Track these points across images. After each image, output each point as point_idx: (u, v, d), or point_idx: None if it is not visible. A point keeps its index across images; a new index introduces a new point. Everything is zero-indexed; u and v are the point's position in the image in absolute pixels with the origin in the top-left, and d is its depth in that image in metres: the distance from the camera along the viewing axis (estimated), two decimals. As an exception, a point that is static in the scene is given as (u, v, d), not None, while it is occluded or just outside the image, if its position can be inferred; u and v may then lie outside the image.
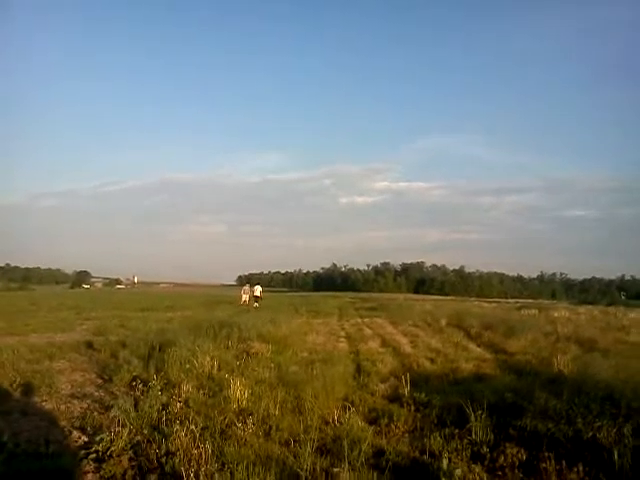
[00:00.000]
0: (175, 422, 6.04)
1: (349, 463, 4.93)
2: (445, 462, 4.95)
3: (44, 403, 7.50)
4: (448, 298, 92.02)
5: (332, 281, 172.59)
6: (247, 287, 41.40)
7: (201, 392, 7.81)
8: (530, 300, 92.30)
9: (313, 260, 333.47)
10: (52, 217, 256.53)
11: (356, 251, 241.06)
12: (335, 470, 4.82)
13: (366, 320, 26.19)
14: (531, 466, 5.19)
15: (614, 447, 5.20)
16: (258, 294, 39.14)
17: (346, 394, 8.04)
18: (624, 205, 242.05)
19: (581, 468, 4.97)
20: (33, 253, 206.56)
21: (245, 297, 38.71)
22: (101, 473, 4.83)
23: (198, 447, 5.07)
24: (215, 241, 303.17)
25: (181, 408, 6.87)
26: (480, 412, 6.20)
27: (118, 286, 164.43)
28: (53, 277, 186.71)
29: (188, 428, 5.61)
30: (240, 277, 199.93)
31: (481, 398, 6.82)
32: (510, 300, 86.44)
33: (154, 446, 5.37)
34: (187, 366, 9.12)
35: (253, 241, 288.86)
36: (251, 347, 12.08)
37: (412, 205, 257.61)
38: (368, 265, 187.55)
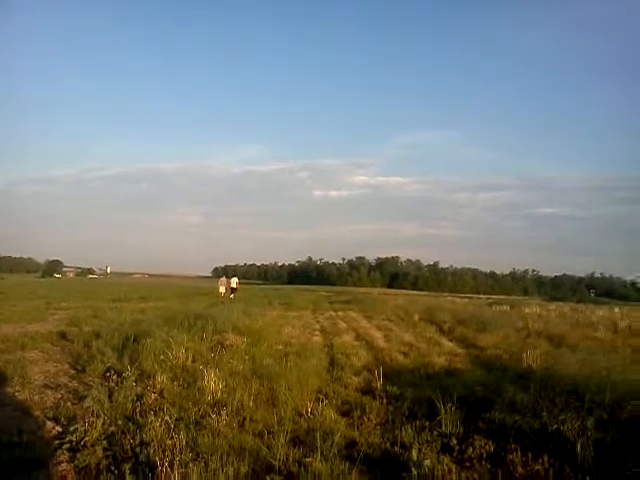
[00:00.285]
0: (149, 413, 6.08)
1: (322, 454, 5.03)
2: (415, 453, 5.07)
3: (17, 393, 7.43)
4: (422, 293, 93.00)
5: (307, 274, 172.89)
6: (224, 279, 41.36)
7: (175, 383, 7.83)
8: (502, 296, 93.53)
9: (289, 253, 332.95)
10: (25, 204, 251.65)
11: (332, 244, 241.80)
12: (308, 460, 4.92)
13: (340, 314, 26.34)
14: (498, 457, 5.32)
15: (577, 439, 5.38)
16: (234, 286, 39.16)
17: (320, 387, 8.12)
18: (596, 204, 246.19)
19: (546, 459, 5.10)
20: (4, 241, 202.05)
21: (222, 289, 38.67)
22: (75, 463, 4.83)
23: (172, 437, 5.11)
24: (191, 232, 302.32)
25: (155, 399, 6.90)
26: (450, 405, 6.33)
27: (90, 276, 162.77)
28: (24, 266, 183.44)
29: (162, 419, 5.66)
30: (216, 269, 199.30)
31: (452, 392, 6.94)
32: (482, 296, 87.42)
33: (128, 436, 5.40)
34: (161, 357, 9.12)
35: (229, 233, 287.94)
36: (226, 339, 12.10)
37: (389, 200, 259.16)
38: (343, 259, 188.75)
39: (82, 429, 5.34)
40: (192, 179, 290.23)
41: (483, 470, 5.08)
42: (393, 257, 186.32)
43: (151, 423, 5.54)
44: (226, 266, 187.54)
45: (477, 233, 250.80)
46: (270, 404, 7.05)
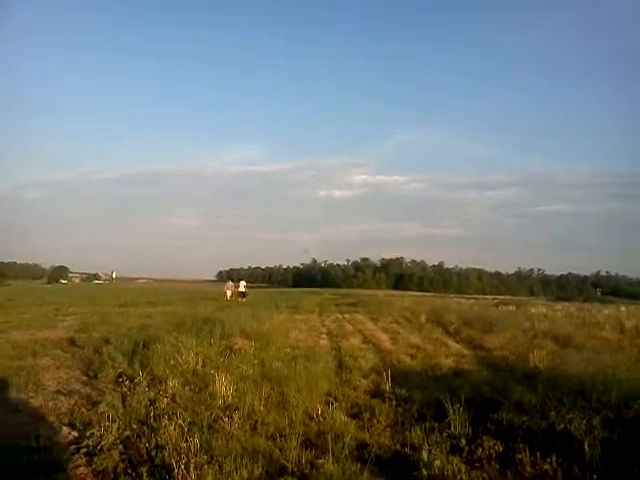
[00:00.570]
0: (163, 417, 6.19)
1: (333, 455, 5.13)
2: (425, 454, 5.17)
3: (31, 400, 7.57)
4: (427, 294, 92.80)
5: (312, 277, 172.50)
6: (230, 283, 41.51)
7: (187, 388, 7.93)
8: (508, 296, 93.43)
9: (293, 255, 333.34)
10: (28, 210, 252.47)
11: (335, 245, 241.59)
12: (320, 461, 5.01)
13: (346, 316, 26.39)
14: (507, 457, 5.40)
15: (585, 438, 5.45)
16: (243, 289, 39.33)
17: (329, 390, 8.22)
18: (601, 201, 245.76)
19: (554, 458, 5.18)
20: (9, 247, 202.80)
21: (229, 293, 38.79)
22: (93, 466, 4.96)
23: (187, 441, 5.22)
24: (193, 235, 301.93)
25: (168, 404, 7.00)
26: (459, 406, 6.40)
27: (96, 281, 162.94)
28: (30, 272, 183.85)
29: (176, 423, 5.78)
30: (221, 272, 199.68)
31: (460, 393, 6.99)
32: (488, 296, 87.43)
33: (143, 440, 5.51)
34: (172, 362, 9.23)
35: (233, 235, 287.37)
36: (234, 343, 12.19)
37: (390, 199, 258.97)
38: (348, 260, 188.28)
39: (98, 434, 5.47)
40: (192, 181, 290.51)
41: (492, 470, 5.16)
42: (398, 258, 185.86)
43: (165, 427, 5.65)
44: (231, 269, 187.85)
45: (481, 231, 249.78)
46: (281, 407, 7.15)
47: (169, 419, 5.98)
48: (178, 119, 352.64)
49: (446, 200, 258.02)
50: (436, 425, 6.36)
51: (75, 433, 6.01)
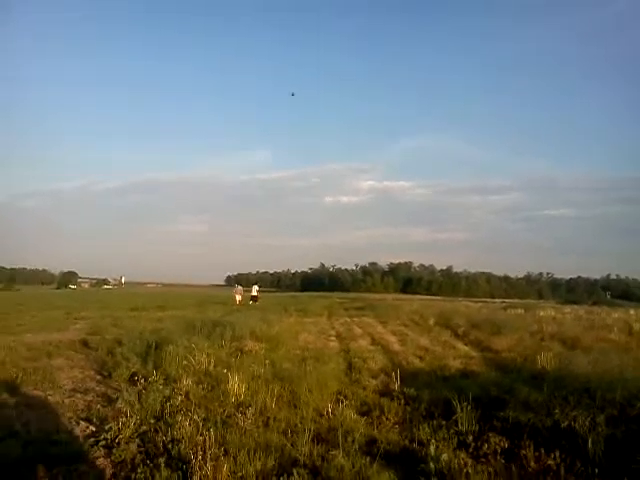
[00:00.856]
0: (178, 413, 6.36)
1: (343, 450, 5.31)
2: (432, 448, 5.32)
3: (49, 397, 7.79)
4: (436, 298, 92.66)
5: (320, 281, 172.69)
6: (240, 287, 41.69)
7: (200, 387, 8.10)
8: (517, 300, 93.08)
9: (301, 260, 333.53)
10: (37, 217, 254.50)
11: (343, 250, 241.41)
12: (331, 455, 5.18)
13: (355, 320, 26.48)
14: (512, 453, 5.54)
15: (588, 435, 5.59)
16: (255, 293, 39.60)
17: (339, 389, 8.39)
18: (609, 204, 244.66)
19: (558, 454, 5.31)
20: (19, 253, 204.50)
21: (239, 297, 38.99)
22: (112, 458, 5.18)
23: (202, 435, 5.40)
24: (202, 241, 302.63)
25: (182, 401, 7.16)
26: (466, 404, 6.53)
27: (105, 286, 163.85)
28: (39, 278, 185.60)
29: (191, 418, 5.96)
30: (229, 277, 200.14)
31: (467, 392, 7.12)
32: (497, 300, 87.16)
33: (160, 434, 5.71)
34: (184, 362, 9.43)
35: (240, 241, 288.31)
36: (245, 345, 12.38)
37: (397, 204, 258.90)
38: (356, 265, 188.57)
39: (116, 428, 5.69)
40: (198, 189, 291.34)
41: (498, 464, 5.29)
42: (406, 262, 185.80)
43: (180, 422, 5.85)
44: (239, 274, 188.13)
45: (489, 236, 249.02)
46: (292, 405, 7.32)
47: (184, 415, 6.16)
48: (181, 127, 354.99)
49: (451, 205, 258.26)
50: (443, 422, 6.50)
51: (93, 428, 6.23)
